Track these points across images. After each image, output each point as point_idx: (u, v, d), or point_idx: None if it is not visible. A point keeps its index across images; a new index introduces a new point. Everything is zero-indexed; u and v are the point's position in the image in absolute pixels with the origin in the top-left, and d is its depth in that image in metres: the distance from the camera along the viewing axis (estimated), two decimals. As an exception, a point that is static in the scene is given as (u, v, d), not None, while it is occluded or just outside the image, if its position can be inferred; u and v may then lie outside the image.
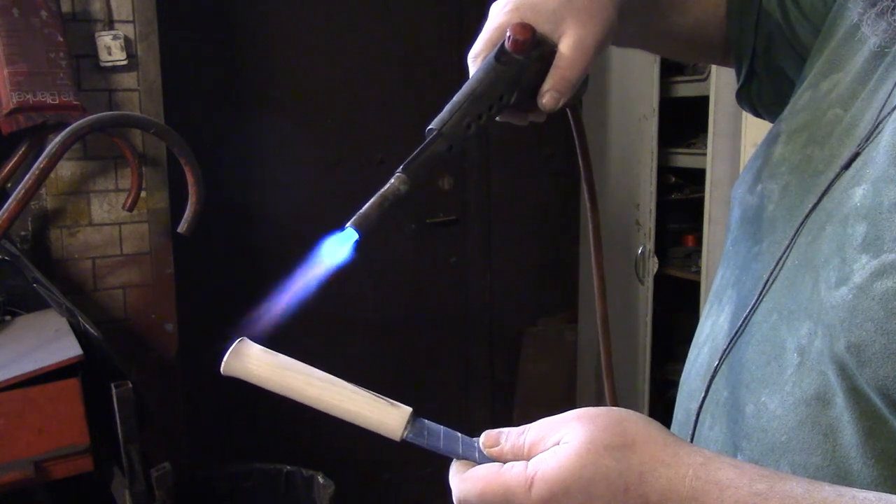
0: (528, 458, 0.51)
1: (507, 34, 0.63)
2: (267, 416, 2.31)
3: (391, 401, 0.56)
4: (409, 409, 0.55)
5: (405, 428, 0.55)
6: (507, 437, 0.53)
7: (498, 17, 0.67)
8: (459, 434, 0.56)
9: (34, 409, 1.46)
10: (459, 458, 0.55)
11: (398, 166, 0.60)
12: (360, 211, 0.58)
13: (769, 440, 0.60)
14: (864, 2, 0.58)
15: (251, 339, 0.58)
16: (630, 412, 0.52)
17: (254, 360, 0.56)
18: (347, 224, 0.58)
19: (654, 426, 0.51)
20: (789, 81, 0.79)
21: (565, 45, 0.65)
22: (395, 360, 3.05)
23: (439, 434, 0.55)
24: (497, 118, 0.66)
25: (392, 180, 0.59)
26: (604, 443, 0.49)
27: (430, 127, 0.62)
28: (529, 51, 0.63)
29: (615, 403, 0.79)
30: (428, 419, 0.56)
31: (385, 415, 0.55)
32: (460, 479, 0.53)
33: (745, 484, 0.47)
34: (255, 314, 0.60)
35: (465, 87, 0.63)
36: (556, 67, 0.65)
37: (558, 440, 0.51)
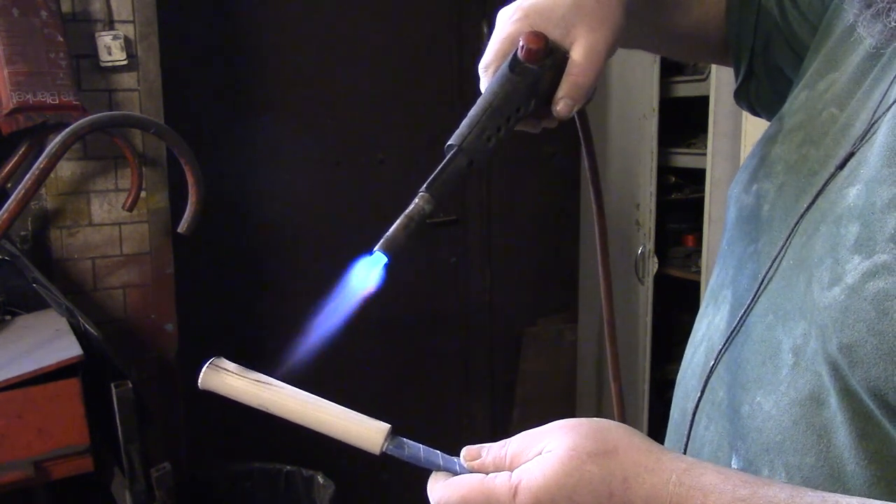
0: (510, 469, 0.51)
1: (520, 44, 0.63)
2: (267, 416, 2.31)
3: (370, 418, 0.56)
4: (387, 425, 0.55)
5: (385, 441, 0.55)
6: (489, 451, 0.54)
7: (507, 27, 0.66)
8: (439, 451, 0.56)
9: (34, 409, 1.46)
10: (440, 470, 0.55)
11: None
12: (387, 234, 0.58)
13: (764, 440, 0.60)
14: (859, 3, 0.58)
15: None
16: (612, 422, 0.52)
17: (232, 374, 0.56)
18: (375, 248, 0.57)
19: (636, 434, 0.51)
20: (787, 80, 0.79)
21: (577, 52, 0.64)
22: (395, 360, 3.05)
23: (419, 449, 0.55)
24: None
25: (416, 200, 0.59)
26: (586, 450, 0.49)
27: (449, 143, 0.61)
28: (543, 60, 0.63)
29: (621, 407, 0.80)
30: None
31: (365, 428, 0.55)
32: (442, 485, 0.53)
33: (729, 489, 0.47)
34: (290, 347, 0.60)
35: (482, 101, 0.63)
36: (568, 74, 0.64)
37: (541, 450, 0.51)
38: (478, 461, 0.53)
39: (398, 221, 0.58)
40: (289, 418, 0.56)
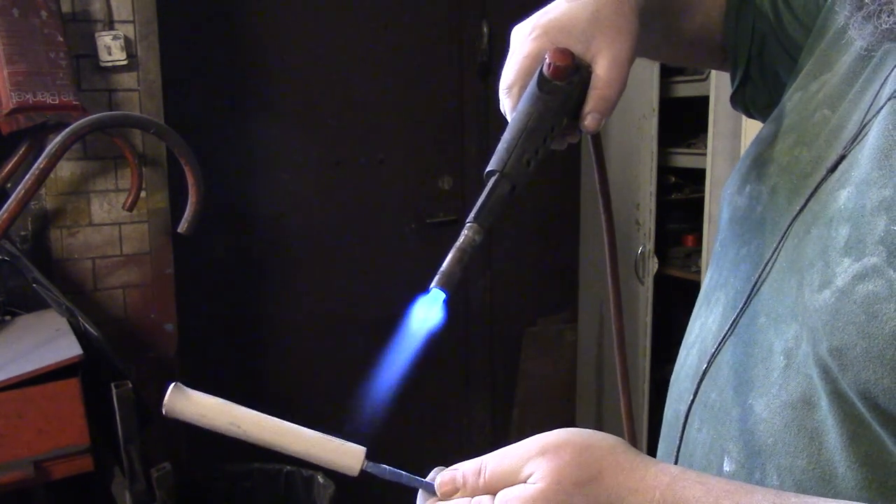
0: (492, 493, 0.51)
1: (546, 61, 0.62)
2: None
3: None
4: (363, 448, 0.55)
5: (363, 463, 0.55)
6: (464, 479, 0.53)
7: (527, 44, 0.66)
8: (417, 477, 0.55)
9: (34, 409, 1.46)
10: (424, 488, 0.54)
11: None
12: (442, 269, 0.57)
13: (756, 443, 0.60)
14: (850, 5, 0.58)
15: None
16: (593, 435, 0.52)
17: (201, 398, 0.55)
18: (432, 285, 0.57)
19: (620, 450, 0.51)
20: (782, 84, 0.79)
21: (601, 66, 0.64)
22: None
23: (399, 471, 0.55)
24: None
25: (465, 231, 0.59)
26: (572, 479, 0.49)
27: (489, 169, 0.61)
28: (571, 76, 0.62)
29: (630, 415, 0.80)
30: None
31: (341, 451, 0.55)
32: None
33: (711, 501, 0.47)
34: (362, 399, 0.59)
35: (515, 123, 0.62)
36: (594, 88, 0.64)
37: (525, 477, 0.50)
38: (457, 496, 0.53)
39: (451, 255, 0.58)
40: (263, 440, 0.54)
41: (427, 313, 0.57)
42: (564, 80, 0.62)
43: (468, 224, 0.59)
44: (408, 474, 0.55)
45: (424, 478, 0.55)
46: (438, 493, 0.53)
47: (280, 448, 0.55)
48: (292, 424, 0.55)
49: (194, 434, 2.70)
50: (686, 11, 0.81)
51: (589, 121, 0.64)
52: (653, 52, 0.87)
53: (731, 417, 0.63)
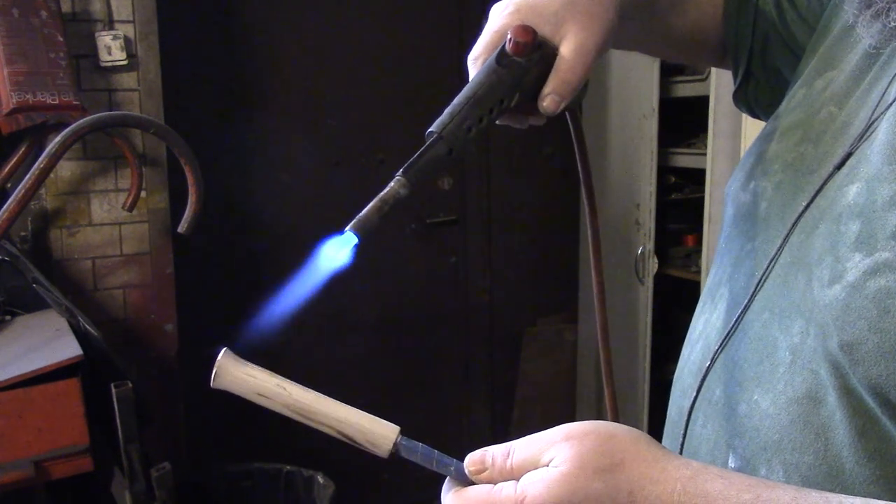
0: (516, 478, 0.51)
1: (508, 36, 0.63)
2: (267, 416, 2.31)
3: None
4: (397, 427, 0.55)
5: (395, 441, 0.55)
6: (493, 460, 0.53)
7: (498, 20, 0.67)
8: (447, 457, 0.56)
9: (34, 409, 1.46)
10: (451, 475, 0.55)
11: (399, 166, 0.60)
12: (360, 215, 0.58)
13: (762, 439, 0.60)
14: (858, 3, 0.58)
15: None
16: (618, 427, 0.52)
17: (248, 364, 0.55)
18: (347, 228, 0.57)
19: (643, 441, 0.51)
20: (785, 82, 0.78)
21: (566, 48, 0.64)
22: (395, 360, 3.05)
23: (430, 452, 0.55)
24: (497, 121, 0.66)
25: (392, 183, 0.59)
26: (593, 465, 0.49)
27: (430, 129, 0.61)
28: (530, 53, 0.63)
29: (615, 410, 0.79)
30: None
31: (377, 424, 0.55)
32: (451, 497, 0.54)
33: (733, 495, 0.47)
34: (254, 320, 0.60)
35: (466, 90, 0.63)
36: (556, 70, 0.64)
37: (548, 461, 0.51)
38: (485, 474, 0.53)
39: (372, 203, 0.58)
40: (304, 405, 0.54)
41: (336, 254, 0.58)
42: (523, 56, 0.63)
43: (396, 178, 0.59)
44: (438, 453, 0.55)
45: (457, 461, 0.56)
46: (467, 471, 0.54)
47: (318, 415, 0.55)
48: (332, 403, 0.55)
49: (194, 434, 2.71)
50: (676, 8, 0.81)
51: (548, 102, 0.64)
52: (641, 46, 0.87)
53: (736, 413, 0.63)
